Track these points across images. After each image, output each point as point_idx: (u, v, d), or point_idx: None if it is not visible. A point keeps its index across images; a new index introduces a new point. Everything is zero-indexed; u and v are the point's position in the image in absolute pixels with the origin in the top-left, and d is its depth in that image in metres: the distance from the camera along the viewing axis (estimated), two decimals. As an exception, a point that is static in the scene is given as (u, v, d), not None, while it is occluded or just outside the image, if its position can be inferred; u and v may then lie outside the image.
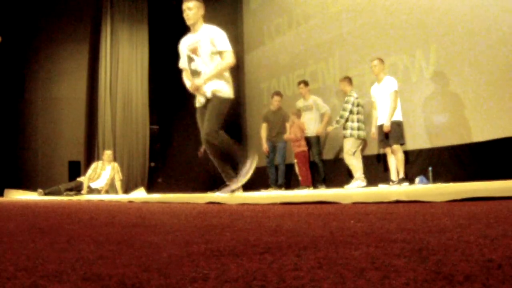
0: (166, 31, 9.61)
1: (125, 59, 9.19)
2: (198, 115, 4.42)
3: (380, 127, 5.75)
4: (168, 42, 9.78)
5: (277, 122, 7.38)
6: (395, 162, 5.69)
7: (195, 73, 4.25)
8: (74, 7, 9.29)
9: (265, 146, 7.50)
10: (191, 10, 4.15)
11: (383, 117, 5.73)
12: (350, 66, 7.03)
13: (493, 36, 5.13)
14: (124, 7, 9.30)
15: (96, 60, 9.11)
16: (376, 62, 5.81)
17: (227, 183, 4.17)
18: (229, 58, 4.12)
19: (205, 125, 4.17)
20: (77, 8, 9.30)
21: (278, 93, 7.57)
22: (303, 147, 6.94)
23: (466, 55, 5.44)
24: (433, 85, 5.86)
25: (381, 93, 5.77)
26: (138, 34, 9.37)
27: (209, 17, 9.84)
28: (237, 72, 9.77)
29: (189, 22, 4.21)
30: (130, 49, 9.27)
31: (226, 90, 4.19)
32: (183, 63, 4.37)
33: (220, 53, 4.13)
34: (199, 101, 4.33)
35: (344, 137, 6.30)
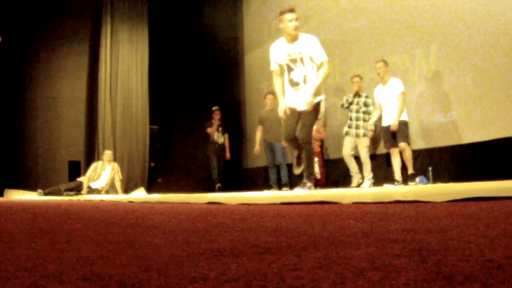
0: (166, 31, 9.62)
1: (125, 59, 9.19)
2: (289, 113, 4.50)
3: (386, 128, 5.76)
4: (168, 42, 9.81)
5: (273, 122, 7.35)
6: (399, 162, 5.70)
7: (293, 83, 4.50)
8: (74, 7, 9.29)
9: (256, 147, 7.52)
10: (298, 20, 4.42)
11: (389, 119, 5.74)
12: (350, 66, 7.03)
13: (493, 36, 5.13)
14: (124, 7, 9.29)
15: (96, 60, 9.11)
16: (380, 64, 5.80)
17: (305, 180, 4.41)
18: (328, 68, 4.42)
19: (303, 131, 4.41)
20: (77, 8, 9.30)
21: (270, 92, 7.55)
22: (319, 147, 6.96)
23: (466, 55, 5.44)
24: (433, 85, 5.86)
25: (387, 95, 5.78)
26: (138, 34, 9.36)
27: (209, 17, 9.81)
28: (237, 72, 9.79)
29: (296, 32, 4.42)
30: (130, 49, 9.27)
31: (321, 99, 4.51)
32: (277, 70, 4.62)
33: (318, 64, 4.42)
34: (295, 104, 4.46)
35: (364, 136, 6.23)
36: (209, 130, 8.34)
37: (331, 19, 7.45)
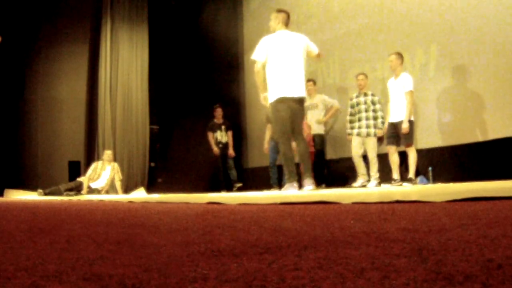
0: (166, 31, 9.62)
1: (125, 59, 9.19)
2: None
3: (391, 124, 5.69)
4: (168, 42, 9.81)
5: None
6: (398, 161, 5.66)
7: None
8: (74, 7, 9.28)
9: (265, 146, 7.48)
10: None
11: (395, 115, 5.65)
12: (350, 66, 7.03)
13: (493, 35, 5.13)
14: (124, 7, 9.29)
15: (96, 60, 9.11)
16: (393, 57, 5.65)
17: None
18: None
19: None
20: (77, 8, 9.29)
21: None
22: (312, 147, 6.95)
23: (466, 55, 5.44)
24: (433, 85, 5.86)
25: (396, 89, 5.65)
26: (138, 34, 9.36)
27: (209, 17, 9.82)
28: (237, 72, 9.79)
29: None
30: (130, 49, 9.27)
31: (269, 96, 4.65)
32: None
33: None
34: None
35: (373, 135, 6.14)
36: (215, 150, 8.27)
37: (331, 19, 7.45)
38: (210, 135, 8.37)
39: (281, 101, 4.54)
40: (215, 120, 8.38)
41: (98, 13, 9.18)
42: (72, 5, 9.26)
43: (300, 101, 4.66)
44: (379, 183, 5.97)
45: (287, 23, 4.86)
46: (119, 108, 9.02)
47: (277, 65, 4.59)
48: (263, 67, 4.66)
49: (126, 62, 9.19)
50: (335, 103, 6.94)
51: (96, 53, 9.15)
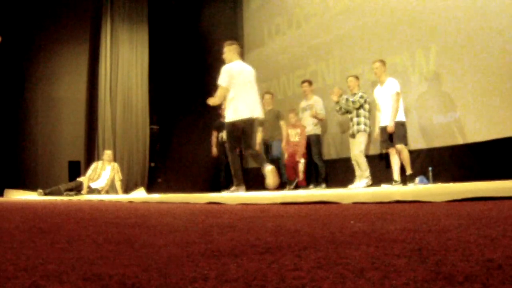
0: (166, 31, 9.62)
1: (125, 59, 9.19)
2: None
3: (383, 128, 5.75)
4: (168, 42, 9.81)
5: (271, 121, 7.34)
6: (398, 162, 5.69)
7: None
8: (74, 7, 9.29)
9: (257, 148, 7.49)
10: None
11: (386, 119, 5.72)
12: (350, 66, 7.03)
13: (493, 36, 5.13)
14: (124, 7, 9.29)
15: (96, 60, 9.11)
16: (377, 64, 5.78)
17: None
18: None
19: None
20: (77, 8, 9.30)
21: (268, 92, 7.58)
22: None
23: (466, 55, 5.44)
24: (433, 85, 5.86)
25: (384, 95, 5.76)
26: (138, 34, 9.36)
27: (209, 17, 9.80)
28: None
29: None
30: (130, 49, 9.27)
31: (227, 115, 5.26)
32: None
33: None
34: None
35: (358, 132, 6.11)
36: (214, 151, 8.26)
37: (332, 19, 7.45)
38: (214, 134, 8.35)
39: (234, 124, 5.17)
40: (222, 120, 8.37)
41: (98, 13, 9.18)
42: (72, 5, 9.26)
43: (253, 120, 5.22)
44: (370, 181, 5.97)
45: (240, 53, 5.49)
46: (119, 108, 9.02)
47: (238, 90, 5.18)
48: (227, 91, 5.22)
49: (126, 62, 9.19)
50: (322, 113, 7.01)
51: (96, 53, 9.15)
